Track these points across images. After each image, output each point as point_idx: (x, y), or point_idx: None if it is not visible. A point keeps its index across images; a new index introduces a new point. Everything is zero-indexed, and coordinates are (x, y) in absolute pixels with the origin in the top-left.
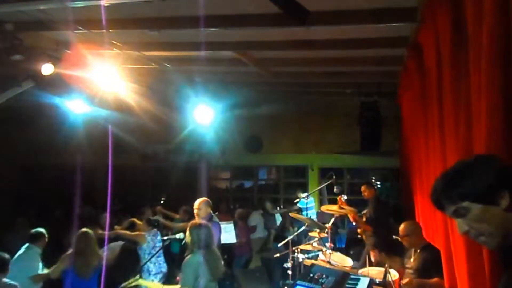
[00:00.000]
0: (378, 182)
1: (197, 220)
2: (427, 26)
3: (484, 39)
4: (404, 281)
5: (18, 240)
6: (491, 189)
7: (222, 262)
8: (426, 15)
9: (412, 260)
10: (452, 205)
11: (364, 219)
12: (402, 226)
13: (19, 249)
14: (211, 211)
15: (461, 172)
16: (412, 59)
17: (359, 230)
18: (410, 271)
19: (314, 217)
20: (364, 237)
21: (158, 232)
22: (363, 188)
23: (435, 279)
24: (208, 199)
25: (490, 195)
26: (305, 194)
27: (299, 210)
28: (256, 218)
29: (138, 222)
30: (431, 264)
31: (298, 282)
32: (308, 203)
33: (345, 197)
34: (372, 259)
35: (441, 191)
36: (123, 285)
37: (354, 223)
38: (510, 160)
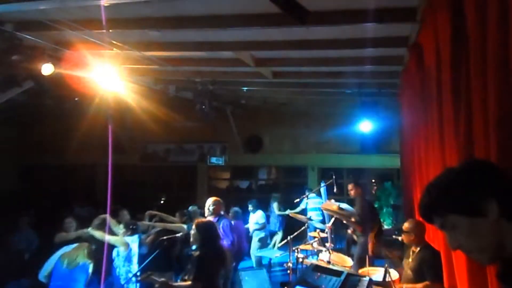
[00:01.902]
0: (374, 181)
1: (202, 218)
2: (427, 26)
3: (487, 39)
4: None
5: (21, 239)
6: (477, 200)
7: (229, 259)
8: (426, 15)
9: (410, 260)
10: (438, 218)
11: (353, 219)
12: (406, 223)
13: (22, 248)
14: (222, 211)
15: (445, 183)
16: (412, 59)
17: (349, 231)
18: (408, 271)
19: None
20: (355, 236)
21: (137, 237)
22: (350, 186)
23: (426, 282)
24: (219, 199)
25: (476, 207)
26: (306, 194)
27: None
28: (262, 217)
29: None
30: (426, 265)
31: (297, 286)
32: (308, 204)
33: (333, 201)
34: (369, 250)
35: (426, 204)
36: (140, 278)
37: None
38: (508, 160)
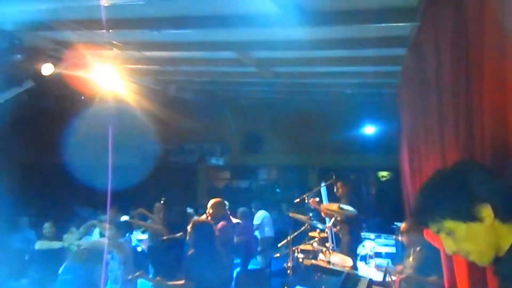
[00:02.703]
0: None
1: (199, 218)
2: (427, 26)
3: (485, 38)
4: (403, 276)
5: (21, 239)
6: (472, 206)
7: (227, 261)
8: (426, 15)
9: (411, 259)
10: (434, 224)
11: (338, 218)
12: (403, 224)
13: (22, 248)
14: (224, 212)
15: (437, 188)
16: (412, 59)
17: (335, 229)
18: (410, 270)
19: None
20: (340, 235)
21: (130, 237)
22: (338, 185)
23: (433, 278)
24: (222, 200)
25: (472, 213)
26: (306, 194)
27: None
28: (260, 217)
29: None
30: (429, 263)
31: (297, 286)
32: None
33: (318, 199)
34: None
35: (420, 210)
36: (130, 277)
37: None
38: (506, 162)
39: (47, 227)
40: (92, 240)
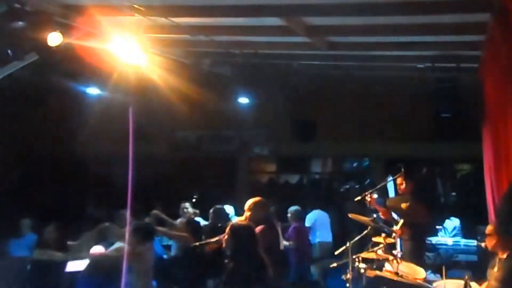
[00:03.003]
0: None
1: (236, 220)
2: None
3: None
4: None
5: (24, 246)
6: None
7: (271, 272)
8: None
9: (496, 269)
10: None
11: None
12: (489, 227)
13: (23, 255)
14: (266, 214)
15: None
16: (497, 27)
17: (397, 234)
18: (494, 282)
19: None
20: (402, 241)
21: (156, 241)
22: (399, 180)
23: None
24: (263, 200)
25: None
26: (369, 191)
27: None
28: (312, 218)
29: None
30: None
31: None
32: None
33: (376, 195)
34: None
35: (506, 218)
36: None
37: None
38: None
39: (49, 231)
40: (108, 249)
